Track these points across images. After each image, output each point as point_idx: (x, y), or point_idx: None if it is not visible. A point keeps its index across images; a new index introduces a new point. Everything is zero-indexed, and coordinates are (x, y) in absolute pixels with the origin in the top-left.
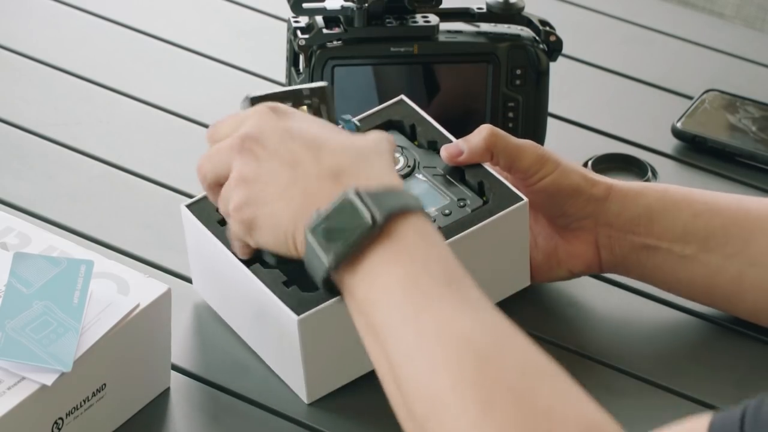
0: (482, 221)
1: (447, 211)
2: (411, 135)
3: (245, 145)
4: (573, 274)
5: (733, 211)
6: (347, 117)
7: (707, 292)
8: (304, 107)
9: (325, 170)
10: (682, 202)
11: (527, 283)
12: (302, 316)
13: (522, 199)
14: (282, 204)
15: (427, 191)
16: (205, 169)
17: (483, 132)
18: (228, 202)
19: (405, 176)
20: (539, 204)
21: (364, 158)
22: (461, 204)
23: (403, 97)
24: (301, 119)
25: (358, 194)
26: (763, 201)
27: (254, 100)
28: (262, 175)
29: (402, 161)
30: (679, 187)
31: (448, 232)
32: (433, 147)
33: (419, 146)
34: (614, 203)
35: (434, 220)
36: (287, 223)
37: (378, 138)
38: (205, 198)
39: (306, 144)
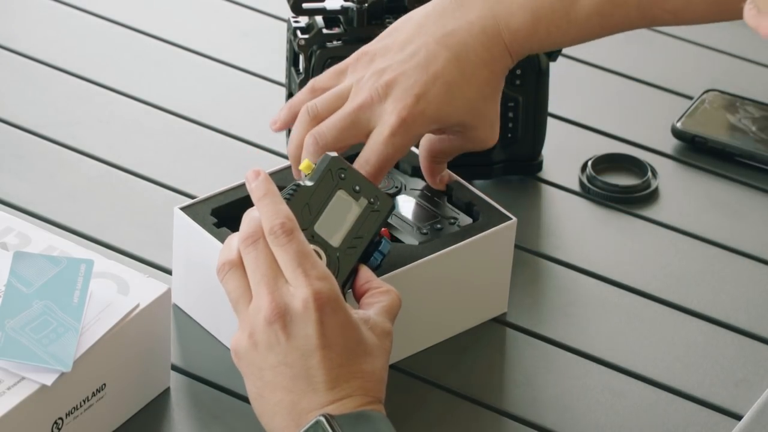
0: (473, 236)
1: (438, 226)
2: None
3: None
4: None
5: None
6: (382, 240)
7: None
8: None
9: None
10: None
11: (504, 309)
12: None
13: (511, 218)
14: (276, 398)
15: (416, 209)
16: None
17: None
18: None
19: (393, 196)
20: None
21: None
22: (451, 222)
23: None
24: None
25: (329, 422)
26: None
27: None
28: (273, 368)
29: (388, 183)
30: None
31: (439, 245)
32: (417, 173)
33: (403, 172)
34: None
35: (427, 233)
36: (267, 420)
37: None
38: (199, 202)
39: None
